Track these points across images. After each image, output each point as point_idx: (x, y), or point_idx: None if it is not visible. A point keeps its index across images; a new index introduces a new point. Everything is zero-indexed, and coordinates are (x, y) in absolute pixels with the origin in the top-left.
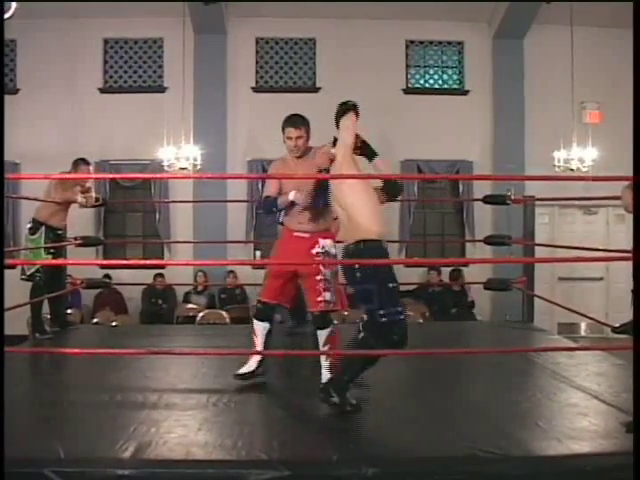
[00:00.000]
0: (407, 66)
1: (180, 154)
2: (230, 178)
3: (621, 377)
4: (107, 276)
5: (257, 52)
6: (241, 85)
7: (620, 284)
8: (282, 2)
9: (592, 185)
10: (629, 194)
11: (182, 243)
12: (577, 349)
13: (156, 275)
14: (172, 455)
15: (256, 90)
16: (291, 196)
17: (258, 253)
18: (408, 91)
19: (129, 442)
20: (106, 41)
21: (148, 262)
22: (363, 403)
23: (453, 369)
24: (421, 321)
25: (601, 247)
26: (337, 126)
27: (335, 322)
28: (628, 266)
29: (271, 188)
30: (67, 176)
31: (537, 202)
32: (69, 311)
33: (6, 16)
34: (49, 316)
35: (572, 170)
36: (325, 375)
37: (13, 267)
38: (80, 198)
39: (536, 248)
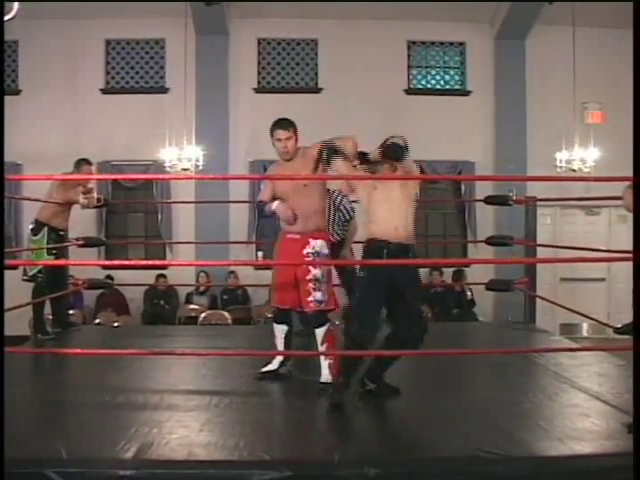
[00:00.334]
0: (409, 67)
1: (182, 155)
2: (232, 179)
3: (623, 378)
4: (109, 277)
5: (259, 53)
6: (243, 86)
7: (622, 285)
8: (284, 2)
9: (594, 185)
10: (631, 194)
11: (184, 244)
12: (579, 350)
13: (158, 276)
14: (174, 456)
15: (258, 91)
16: (273, 206)
17: (260, 254)
18: (410, 92)
19: (131, 442)
20: (108, 42)
21: (150, 263)
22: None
23: (455, 370)
24: None
25: (603, 248)
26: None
27: (337, 322)
28: (630, 267)
29: (265, 192)
30: (69, 177)
31: (539, 203)
32: (71, 312)
33: (8, 17)
34: (51, 317)
35: (574, 170)
36: (324, 374)
37: (15, 268)
38: (82, 199)
39: (538, 249)
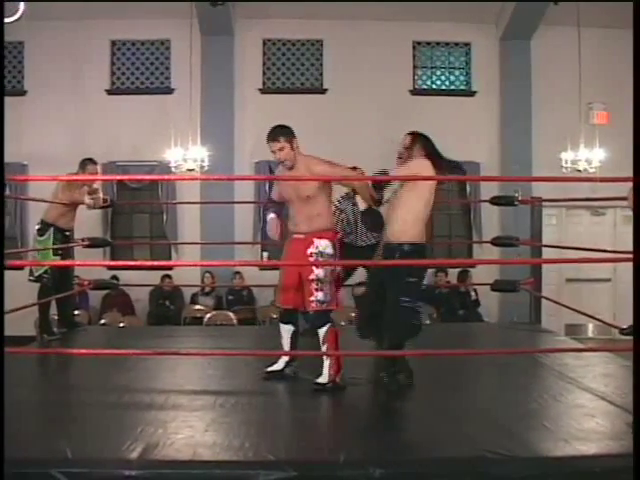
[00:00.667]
0: (414, 67)
1: (187, 155)
2: (237, 179)
3: (628, 378)
4: (114, 277)
5: (264, 53)
6: (248, 86)
7: (628, 285)
8: (289, 3)
9: (599, 186)
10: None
11: (189, 244)
12: (584, 350)
13: (163, 276)
14: (179, 456)
15: (263, 91)
16: (268, 217)
17: (265, 254)
18: (415, 92)
19: (136, 443)
20: (113, 42)
21: (155, 263)
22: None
23: (460, 370)
24: (428, 322)
25: (609, 248)
26: None
27: (342, 323)
28: None
29: (274, 192)
30: (74, 177)
31: (544, 203)
32: (76, 312)
33: (14, 18)
34: (57, 317)
35: (579, 171)
36: (324, 374)
37: (21, 268)
38: (87, 199)
39: (543, 249)
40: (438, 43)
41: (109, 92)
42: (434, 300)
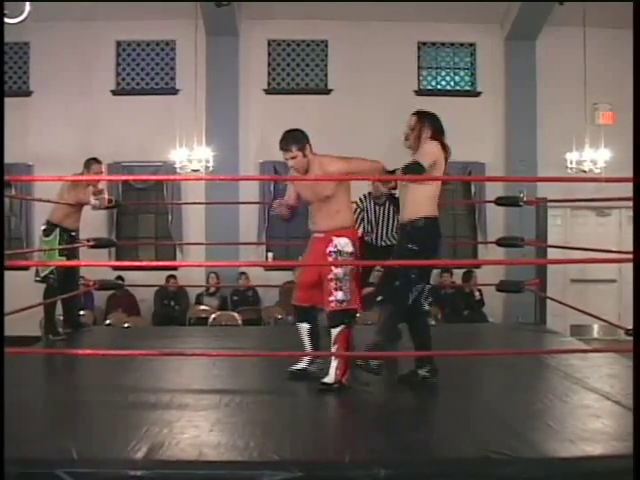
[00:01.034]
0: (419, 68)
1: (192, 156)
2: (242, 180)
3: None
4: (120, 278)
5: (269, 54)
6: (253, 87)
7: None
8: (294, 3)
9: (605, 186)
10: None
11: (194, 245)
12: (590, 351)
13: (168, 277)
14: (184, 456)
15: (268, 92)
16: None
17: (270, 255)
18: (420, 93)
19: (141, 443)
20: (119, 43)
21: (160, 264)
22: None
23: (465, 371)
24: (433, 323)
25: (614, 249)
26: None
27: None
28: None
29: (289, 194)
30: (80, 178)
31: (549, 204)
32: (82, 313)
33: (20, 18)
34: (62, 317)
35: (585, 171)
36: (330, 374)
37: (27, 269)
38: (93, 200)
39: (548, 250)
40: (443, 43)
41: (114, 93)
42: (439, 301)
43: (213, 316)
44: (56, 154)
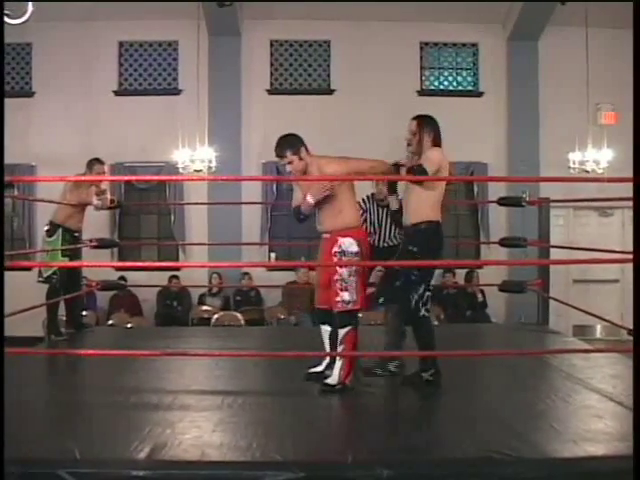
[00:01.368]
0: (421, 68)
1: (195, 156)
2: (245, 180)
3: None
4: (122, 278)
5: (271, 54)
6: (255, 87)
7: None
8: (296, 3)
9: (607, 187)
10: None
11: (197, 245)
12: (592, 351)
13: (171, 277)
14: (187, 456)
15: (270, 92)
16: (308, 198)
17: (273, 255)
18: (422, 93)
19: (144, 443)
20: (121, 44)
21: (163, 264)
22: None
23: (468, 371)
24: (436, 323)
25: (617, 249)
26: None
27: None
28: None
29: (295, 198)
30: (82, 178)
31: (552, 204)
32: (84, 313)
33: (22, 19)
34: (65, 318)
35: (587, 172)
36: (334, 375)
37: (30, 269)
38: (95, 200)
39: (551, 250)
40: (445, 44)
41: (117, 93)
42: (441, 301)
43: (216, 316)
44: (58, 154)
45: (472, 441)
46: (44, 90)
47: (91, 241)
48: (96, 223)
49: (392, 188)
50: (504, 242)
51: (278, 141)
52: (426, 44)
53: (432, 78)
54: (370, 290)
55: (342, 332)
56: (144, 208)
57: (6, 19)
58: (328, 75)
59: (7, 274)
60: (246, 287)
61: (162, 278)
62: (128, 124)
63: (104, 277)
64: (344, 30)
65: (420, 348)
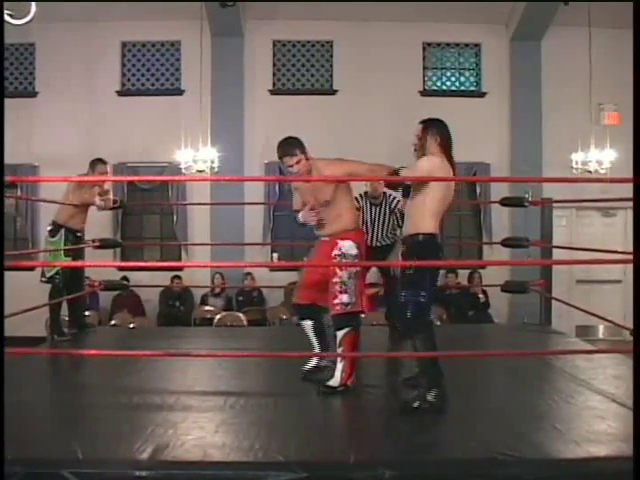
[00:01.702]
0: (424, 68)
1: (197, 156)
2: (247, 180)
3: None
4: (125, 278)
5: (274, 54)
6: (258, 87)
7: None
8: (299, 3)
9: (610, 187)
10: None
11: (199, 245)
12: (595, 352)
13: (173, 277)
14: (189, 457)
15: (273, 92)
16: (301, 218)
17: (275, 255)
18: (425, 93)
19: (146, 443)
20: (124, 44)
21: (165, 264)
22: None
23: (470, 371)
24: (438, 323)
25: (619, 249)
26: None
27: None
28: None
29: (295, 202)
30: (85, 178)
31: (555, 204)
32: (87, 313)
33: (25, 19)
34: (67, 318)
35: (590, 172)
36: (336, 377)
37: (33, 269)
38: (98, 201)
39: (554, 250)
40: (448, 44)
41: (120, 93)
42: (444, 301)
43: (218, 317)
44: (61, 155)
45: (474, 442)
46: (47, 90)
47: (94, 241)
48: (99, 223)
49: (405, 192)
50: (507, 242)
51: (283, 142)
52: (429, 44)
53: (435, 78)
54: (371, 291)
55: (341, 334)
56: (147, 208)
57: (9, 19)
58: (331, 75)
59: (10, 274)
60: (248, 287)
61: (165, 278)
62: (131, 124)
63: (107, 277)
64: (347, 30)
65: (420, 363)
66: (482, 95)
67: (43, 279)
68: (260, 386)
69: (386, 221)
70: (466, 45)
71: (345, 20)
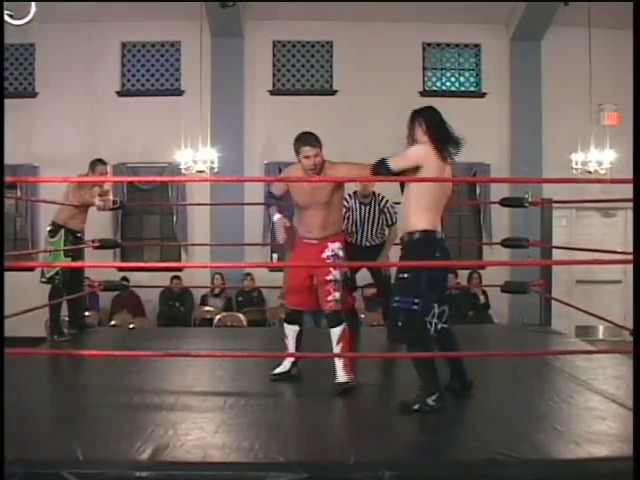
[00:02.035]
0: (424, 68)
1: (197, 157)
2: (247, 181)
3: None
4: (125, 278)
5: (274, 55)
6: (258, 88)
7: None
8: (299, 4)
9: (610, 187)
10: None
11: (199, 246)
12: (595, 352)
13: (173, 278)
14: (189, 457)
15: (273, 93)
16: (275, 218)
17: (275, 256)
18: (425, 94)
19: (146, 444)
20: (124, 44)
21: (165, 265)
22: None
23: (470, 372)
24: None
25: (619, 249)
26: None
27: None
28: None
29: (278, 187)
30: (85, 179)
31: (555, 204)
32: (87, 313)
33: (25, 20)
34: (67, 318)
35: (590, 172)
36: (340, 374)
37: (32, 270)
38: (98, 201)
39: (553, 251)
40: (448, 44)
41: (119, 94)
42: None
43: (218, 317)
44: (61, 155)
45: (475, 442)
46: (47, 91)
47: (94, 242)
48: (99, 224)
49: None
50: (506, 243)
51: (307, 133)
52: (429, 44)
53: (434, 79)
54: (370, 291)
55: (338, 330)
56: (147, 209)
57: (9, 20)
58: (330, 76)
59: (10, 274)
60: (248, 288)
61: (164, 279)
62: (131, 125)
63: (106, 277)
64: (347, 31)
65: (417, 367)
66: (482, 95)
67: (43, 279)
68: (260, 386)
69: (376, 221)
70: (466, 45)
71: (345, 20)
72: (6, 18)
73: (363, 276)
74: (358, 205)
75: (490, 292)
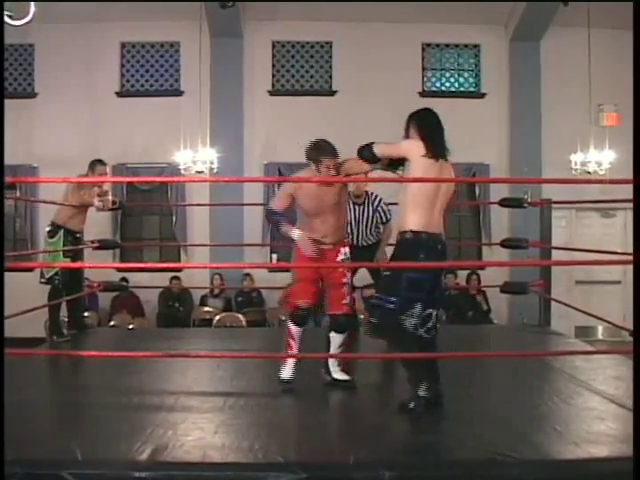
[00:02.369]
0: (423, 69)
1: (197, 157)
2: (247, 181)
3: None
4: (124, 279)
5: (273, 55)
6: (257, 88)
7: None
8: (298, 4)
9: (609, 188)
10: None
11: (199, 246)
12: (594, 353)
13: (172, 278)
14: (189, 458)
15: (272, 93)
16: (294, 235)
17: (275, 256)
18: (424, 94)
19: (146, 444)
20: (123, 45)
21: (165, 265)
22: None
23: (470, 373)
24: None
25: (619, 250)
26: None
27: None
28: None
29: (282, 201)
30: (84, 179)
31: (554, 205)
32: (86, 314)
33: (25, 20)
34: (67, 319)
35: (589, 173)
36: (339, 372)
37: (32, 270)
38: (97, 202)
39: (553, 251)
40: (447, 45)
41: (119, 94)
42: (443, 302)
43: (217, 317)
44: (61, 155)
45: (474, 443)
46: (46, 91)
47: (93, 242)
48: (98, 224)
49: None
50: (506, 243)
51: (326, 142)
52: (428, 45)
53: (434, 79)
54: (370, 292)
55: (345, 335)
56: (146, 209)
57: (9, 20)
58: (330, 76)
59: (9, 275)
60: (248, 288)
61: (164, 279)
62: (130, 125)
63: (106, 278)
64: (346, 31)
65: (407, 369)
66: (481, 96)
67: (42, 280)
68: (260, 387)
69: (370, 220)
70: (465, 46)
71: (345, 21)
72: (5, 19)
73: (361, 276)
74: (352, 205)
75: (490, 292)
